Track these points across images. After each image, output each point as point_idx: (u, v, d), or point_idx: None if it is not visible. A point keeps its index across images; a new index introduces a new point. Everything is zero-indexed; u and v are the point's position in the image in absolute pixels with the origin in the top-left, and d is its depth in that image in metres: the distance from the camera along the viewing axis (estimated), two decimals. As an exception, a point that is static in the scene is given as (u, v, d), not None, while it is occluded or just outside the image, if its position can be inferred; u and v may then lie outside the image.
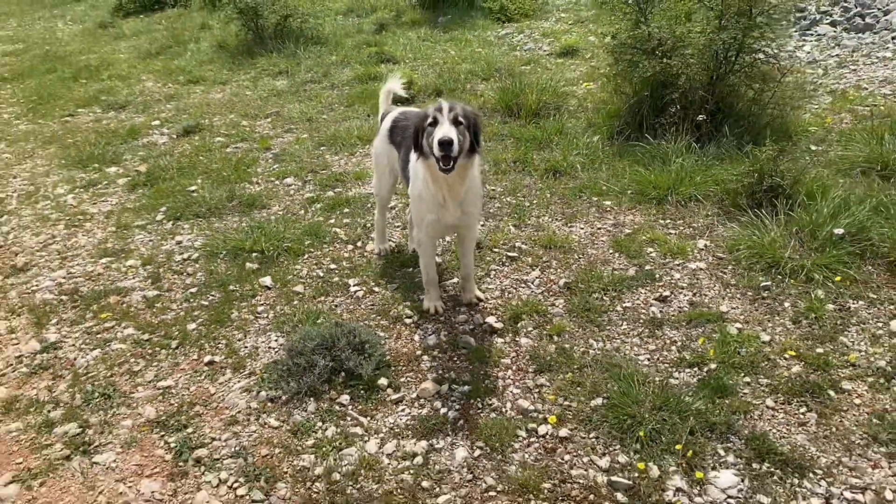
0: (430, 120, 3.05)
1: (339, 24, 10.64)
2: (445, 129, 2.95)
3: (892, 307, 3.35)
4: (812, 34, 7.41)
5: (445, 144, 2.93)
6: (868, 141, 4.79)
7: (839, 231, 3.71)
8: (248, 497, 2.60)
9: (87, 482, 2.71)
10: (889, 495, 2.43)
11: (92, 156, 6.24)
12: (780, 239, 3.85)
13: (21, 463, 2.83)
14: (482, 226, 4.41)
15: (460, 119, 3.02)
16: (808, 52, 7.01)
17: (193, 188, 5.35)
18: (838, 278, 3.53)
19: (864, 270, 3.62)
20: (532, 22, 9.65)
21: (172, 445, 2.86)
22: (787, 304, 3.45)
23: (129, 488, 2.67)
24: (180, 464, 2.77)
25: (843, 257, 3.66)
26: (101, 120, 7.44)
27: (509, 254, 4.09)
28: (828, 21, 7.55)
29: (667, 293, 3.60)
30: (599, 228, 4.31)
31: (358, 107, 6.96)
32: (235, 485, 2.65)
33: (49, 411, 3.10)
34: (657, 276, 3.76)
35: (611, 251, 4.06)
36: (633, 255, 3.98)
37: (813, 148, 5.00)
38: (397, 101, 6.67)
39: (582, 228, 4.33)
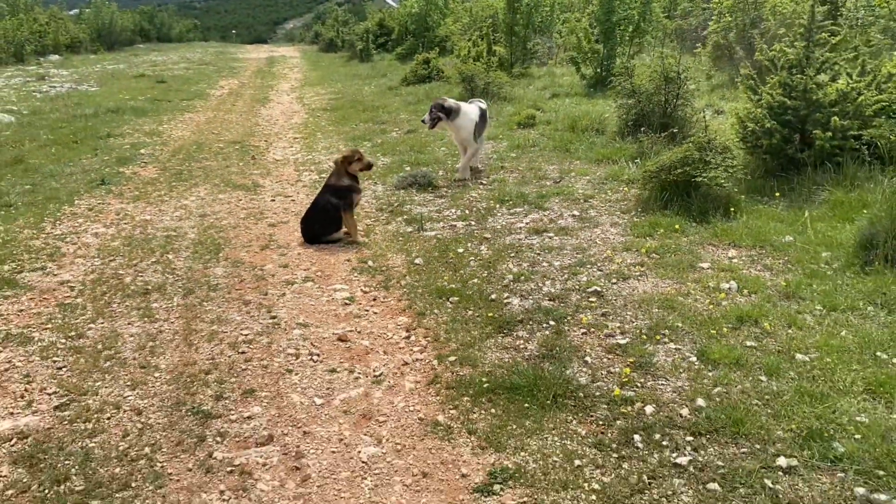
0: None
1: (532, 93, 16.11)
2: (427, 116, 8.23)
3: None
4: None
5: (425, 121, 8.24)
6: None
7: (637, 161, 8.21)
8: (361, 210, 7.96)
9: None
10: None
11: (359, 138, 12.26)
12: (629, 169, 8.35)
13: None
14: (518, 170, 9.41)
15: (439, 108, 8.24)
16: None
17: (399, 148, 10.99)
18: (625, 177, 8.06)
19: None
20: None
21: (354, 194, 8.34)
22: (605, 188, 8.02)
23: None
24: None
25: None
26: (370, 128, 13.56)
27: (511, 171, 9.06)
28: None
29: (559, 180, 8.35)
30: (560, 166, 9.09)
31: (501, 127, 12.25)
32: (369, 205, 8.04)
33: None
34: (564, 177, 8.50)
35: (556, 171, 8.83)
36: (563, 173, 8.72)
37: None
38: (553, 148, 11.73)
39: (552, 166, 9.14)
